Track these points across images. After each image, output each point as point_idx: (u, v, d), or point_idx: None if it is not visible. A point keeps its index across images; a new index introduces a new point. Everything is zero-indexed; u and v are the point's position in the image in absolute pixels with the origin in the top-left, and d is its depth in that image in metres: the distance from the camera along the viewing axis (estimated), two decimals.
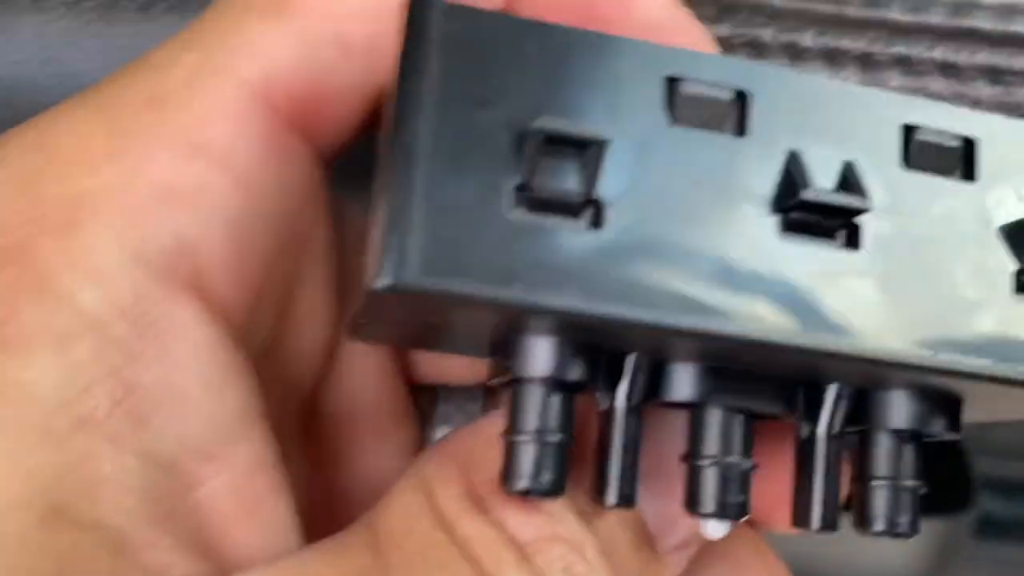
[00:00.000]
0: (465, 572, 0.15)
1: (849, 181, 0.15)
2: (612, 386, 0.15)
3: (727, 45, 0.22)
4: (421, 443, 0.21)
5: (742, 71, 0.15)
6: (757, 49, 0.22)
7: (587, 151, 0.13)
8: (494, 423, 0.16)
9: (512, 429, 0.15)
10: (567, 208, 0.14)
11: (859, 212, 0.14)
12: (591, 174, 0.13)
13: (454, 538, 0.15)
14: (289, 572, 0.15)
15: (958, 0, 0.22)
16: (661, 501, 0.17)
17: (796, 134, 0.15)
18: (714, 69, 0.15)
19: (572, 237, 0.14)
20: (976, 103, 0.22)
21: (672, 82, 0.14)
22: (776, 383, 0.16)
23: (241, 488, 0.15)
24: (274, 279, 0.17)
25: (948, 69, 0.22)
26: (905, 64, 0.22)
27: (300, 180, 0.17)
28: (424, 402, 0.21)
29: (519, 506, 0.15)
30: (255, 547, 0.15)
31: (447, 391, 0.22)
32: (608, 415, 0.15)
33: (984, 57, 0.22)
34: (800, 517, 0.16)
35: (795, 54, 0.22)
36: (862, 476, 0.17)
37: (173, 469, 0.14)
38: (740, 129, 0.15)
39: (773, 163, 0.15)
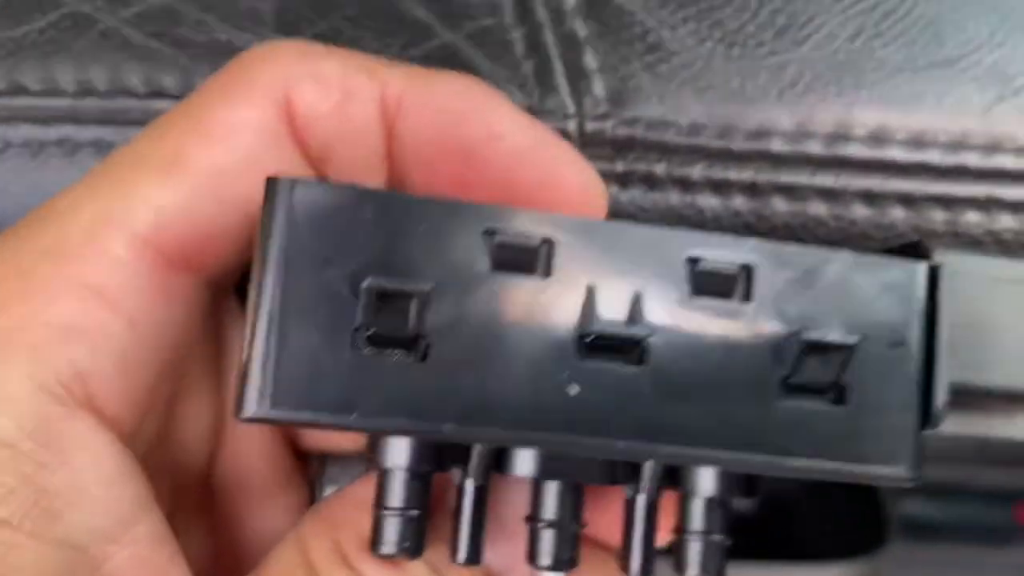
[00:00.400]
0: None
1: (636, 310, 0.17)
2: (464, 466, 0.18)
3: (624, 180, 0.24)
4: (312, 503, 0.24)
5: (548, 221, 0.17)
6: (650, 183, 0.24)
7: (414, 299, 0.16)
8: (362, 489, 0.20)
9: (378, 504, 0.18)
10: (399, 344, 0.16)
11: (639, 339, 0.17)
12: (419, 317, 0.16)
13: None
14: None
15: (834, 132, 0.24)
16: (508, 553, 0.20)
17: (594, 273, 0.17)
18: (524, 221, 0.17)
19: (403, 369, 0.16)
20: (852, 224, 0.24)
21: (489, 234, 0.17)
22: (605, 459, 0.19)
23: (143, 560, 0.18)
24: (159, 391, 0.20)
25: (827, 194, 0.24)
26: (788, 191, 0.24)
27: (184, 311, 0.19)
28: (315, 466, 0.24)
29: (379, 562, 0.19)
30: None
31: (334, 456, 0.24)
32: (460, 490, 0.19)
33: (860, 182, 0.24)
34: (623, 565, 0.19)
35: (686, 187, 0.24)
36: (679, 529, 0.20)
37: (84, 551, 0.17)
38: (547, 271, 0.17)
39: (575, 298, 0.17)
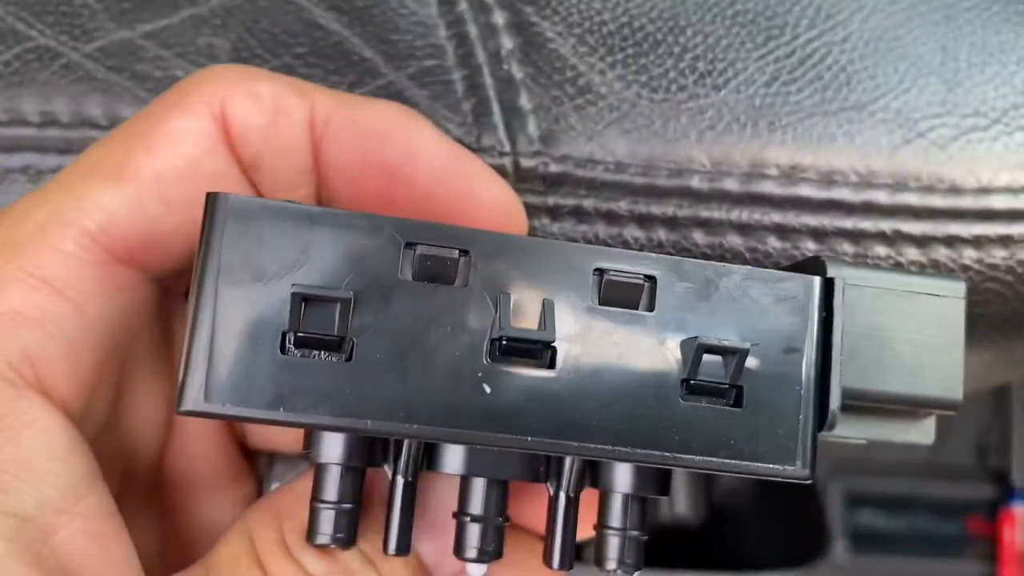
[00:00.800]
0: None
1: (546, 317, 0.19)
2: (395, 462, 0.20)
3: (555, 214, 0.25)
4: (258, 496, 0.26)
5: (464, 235, 0.19)
6: (579, 216, 0.25)
7: (338, 304, 0.18)
8: (305, 483, 0.21)
9: (315, 497, 0.20)
10: (324, 346, 0.18)
11: (546, 343, 0.18)
12: (342, 321, 0.18)
13: (266, 574, 0.20)
14: None
15: (749, 170, 0.26)
16: (439, 546, 0.22)
17: (508, 281, 0.19)
18: (441, 235, 0.18)
19: (329, 369, 0.18)
20: (767, 255, 0.26)
21: (409, 246, 0.18)
22: (526, 457, 0.21)
23: (90, 532, 0.19)
24: (107, 375, 0.21)
25: (743, 228, 0.26)
26: (706, 225, 0.26)
27: (132, 304, 0.21)
28: (263, 464, 0.26)
29: (318, 552, 0.20)
30: None
31: (281, 455, 0.26)
32: (391, 484, 0.20)
33: (773, 217, 0.26)
34: (546, 558, 0.21)
35: (612, 220, 0.25)
36: (599, 523, 0.21)
37: (33, 522, 0.18)
38: (465, 281, 0.18)
39: (489, 305, 0.18)
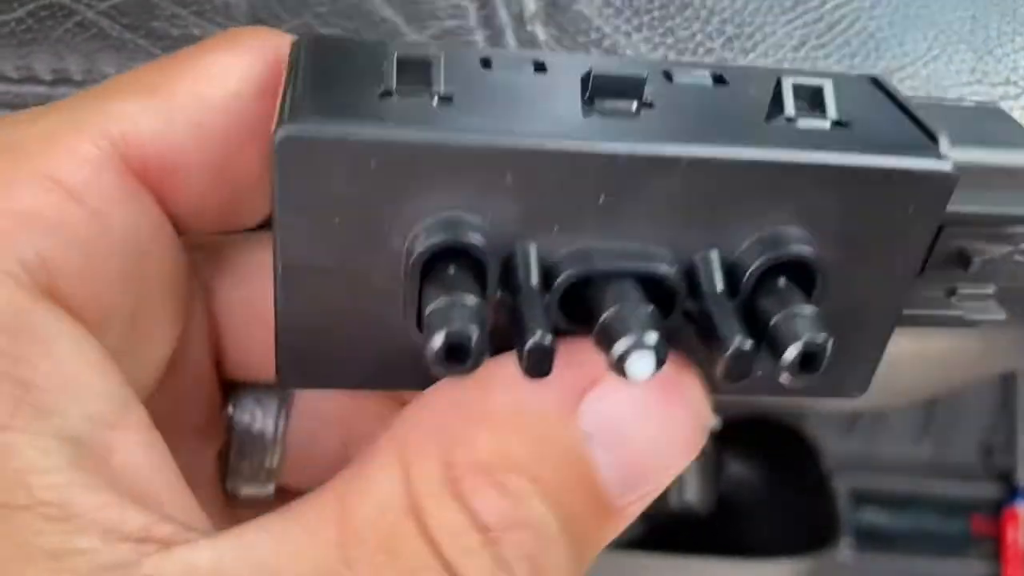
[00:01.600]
0: (427, 560, 0.15)
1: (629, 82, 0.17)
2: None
3: None
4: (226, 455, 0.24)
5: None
6: None
7: (432, 67, 0.16)
8: (479, 397, 0.16)
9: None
10: (424, 97, 0.16)
11: (638, 81, 0.17)
12: (440, 79, 0.16)
13: (422, 528, 0.15)
14: (241, 553, 0.16)
15: None
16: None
17: (586, 67, 0.17)
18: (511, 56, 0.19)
19: (429, 107, 0.16)
20: None
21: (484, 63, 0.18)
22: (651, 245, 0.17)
23: (146, 445, 0.17)
24: (123, 298, 0.19)
25: None
26: None
27: (150, 224, 0.19)
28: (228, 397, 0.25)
29: (487, 488, 0.16)
30: (185, 496, 0.17)
31: (247, 386, 0.25)
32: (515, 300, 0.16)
33: None
34: (716, 348, 0.16)
35: None
36: (760, 318, 0.17)
37: (88, 442, 0.16)
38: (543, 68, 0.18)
39: (573, 80, 0.17)
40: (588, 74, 0.17)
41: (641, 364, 0.15)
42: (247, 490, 0.25)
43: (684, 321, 0.17)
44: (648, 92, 0.17)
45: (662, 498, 0.18)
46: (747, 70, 0.20)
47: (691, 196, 0.16)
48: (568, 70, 0.18)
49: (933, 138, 0.18)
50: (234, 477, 0.25)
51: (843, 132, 0.17)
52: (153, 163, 0.18)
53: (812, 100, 0.17)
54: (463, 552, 0.15)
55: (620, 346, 0.15)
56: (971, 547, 0.84)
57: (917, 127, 0.18)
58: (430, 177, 0.16)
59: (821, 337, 0.16)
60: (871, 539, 0.80)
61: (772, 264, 0.17)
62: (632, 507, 0.17)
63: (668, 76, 0.19)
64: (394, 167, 0.16)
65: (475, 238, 0.16)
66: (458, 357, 0.15)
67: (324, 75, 0.17)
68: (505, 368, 0.16)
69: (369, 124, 0.15)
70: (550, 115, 0.17)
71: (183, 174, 0.19)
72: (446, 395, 0.17)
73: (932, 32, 0.27)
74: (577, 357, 0.16)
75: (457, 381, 0.17)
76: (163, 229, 0.20)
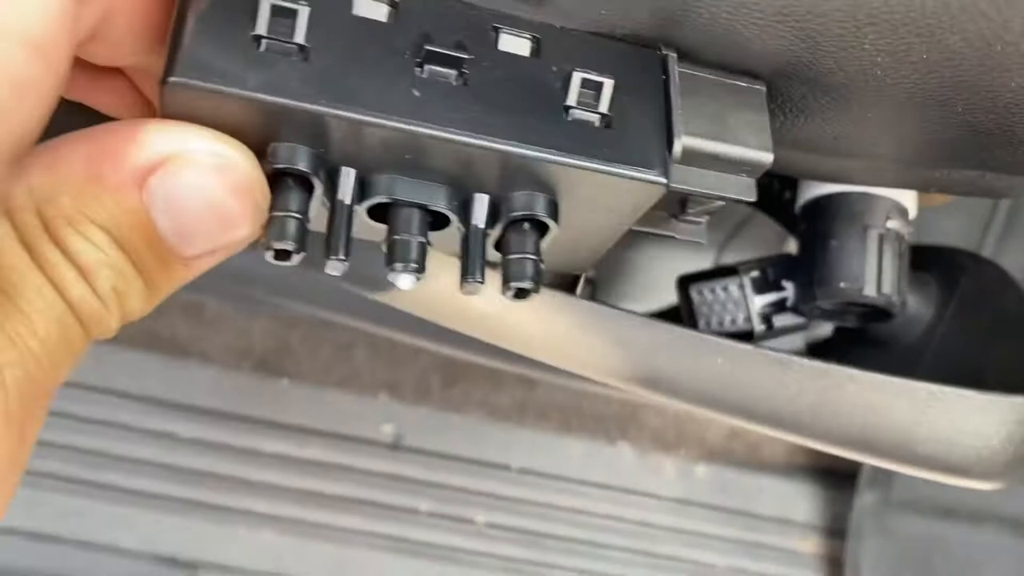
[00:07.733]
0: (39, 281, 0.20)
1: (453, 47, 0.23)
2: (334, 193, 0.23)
3: None
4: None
5: None
6: None
7: (293, 17, 0.21)
8: (74, 171, 0.20)
9: (275, 207, 0.22)
10: (285, 51, 0.21)
11: (460, 60, 0.22)
12: (301, 29, 0.21)
13: (37, 259, 0.20)
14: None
15: None
16: None
17: (431, 26, 0.23)
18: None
19: (289, 64, 0.21)
20: None
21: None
22: (444, 189, 0.24)
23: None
24: None
25: None
26: None
27: None
28: None
29: (75, 235, 0.20)
30: None
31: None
32: (334, 208, 0.23)
33: None
34: (463, 274, 0.24)
35: None
36: (503, 254, 0.25)
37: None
38: (395, 19, 0.23)
39: (412, 36, 0.23)
40: (422, 43, 0.23)
41: (403, 280, 0.24)
42: None
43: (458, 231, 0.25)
44: (469, 63, 0.23)
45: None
46: (563, 35, 0.25)
47: (473, 163, 0.23)
48: (417, 13, 0.23)
49: (670, 146, 0.24)
50: None
51: (602, 133, 0.24)
52: None
53: (594, 93, 0.23)
54: (67, 283, 0.20)
55: (397, 266, 0.23)
56: None
57: (667, 130, 0.24)
58: (279, 121, 0.22)
59: (530, 284, 0.24)
60: (893, 504, 0.78)
61: (519, 217, 0.24)
62: (199, 261, 0.22)
63: (496, 33, 0.24)
64: (253, 113, 0.21)
65: (303, 164, 0.22)
66: (283, 259, 0.22)
67: (211, 7, 0.21)
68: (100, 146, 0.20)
69: (235, 80, 0.21)
70: (382, 76, 0.22)
71: None
72: (56, 166, 0.20)
73: None
74: (147, 143, 0.21)
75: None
76: None
